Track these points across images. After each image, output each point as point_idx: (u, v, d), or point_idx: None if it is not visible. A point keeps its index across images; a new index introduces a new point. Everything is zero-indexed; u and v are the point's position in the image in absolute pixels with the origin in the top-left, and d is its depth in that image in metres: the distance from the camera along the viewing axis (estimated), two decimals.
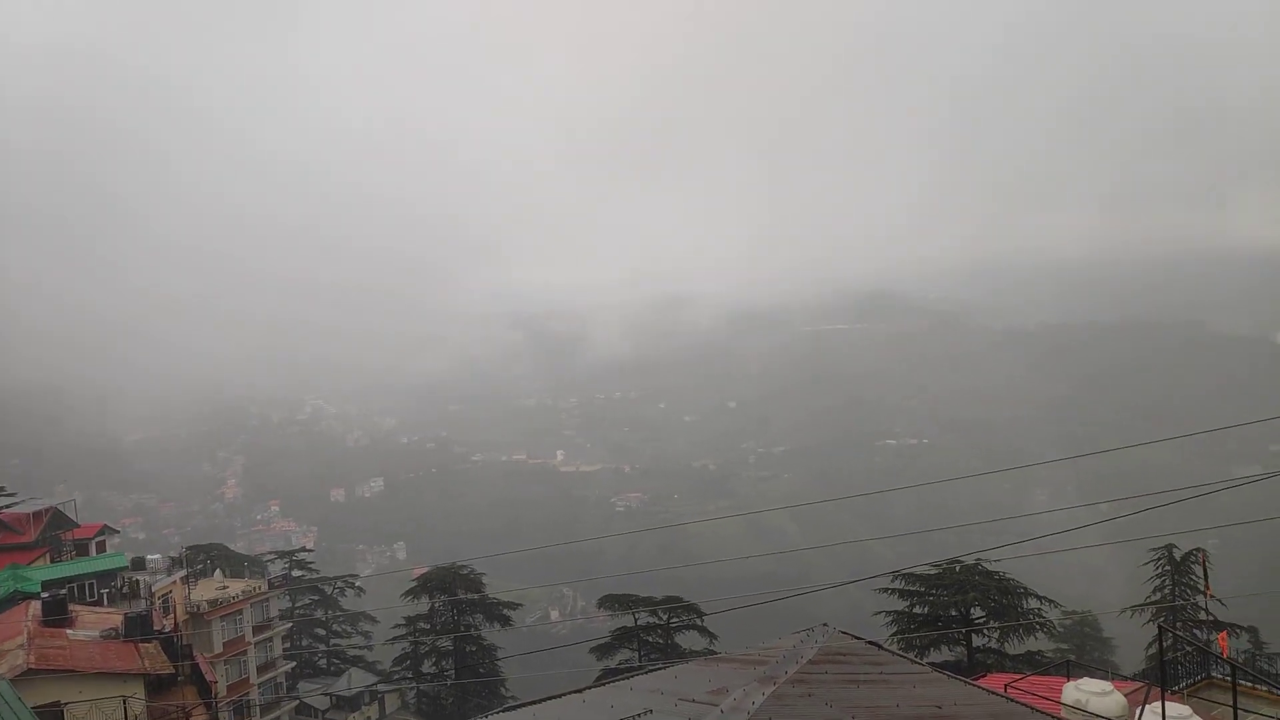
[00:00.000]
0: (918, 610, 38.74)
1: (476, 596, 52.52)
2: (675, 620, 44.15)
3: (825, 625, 12.54)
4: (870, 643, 12.85)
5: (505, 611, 53.43)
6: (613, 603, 46.14)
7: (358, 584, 67.72)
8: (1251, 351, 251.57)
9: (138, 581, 45.18)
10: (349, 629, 61.66)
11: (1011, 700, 11.26)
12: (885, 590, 39.30)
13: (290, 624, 57.53)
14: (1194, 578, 38.09)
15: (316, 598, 62.97)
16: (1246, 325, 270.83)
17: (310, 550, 76.27)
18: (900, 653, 13.90)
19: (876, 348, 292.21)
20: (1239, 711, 14.90)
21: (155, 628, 34.41)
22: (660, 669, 12.16)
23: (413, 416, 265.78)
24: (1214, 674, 27.76)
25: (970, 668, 35.47)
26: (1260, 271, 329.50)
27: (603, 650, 44.44)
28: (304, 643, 60.13)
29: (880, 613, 39.63)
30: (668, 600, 44.59)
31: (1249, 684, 25.49)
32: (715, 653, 25.66)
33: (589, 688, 11.28)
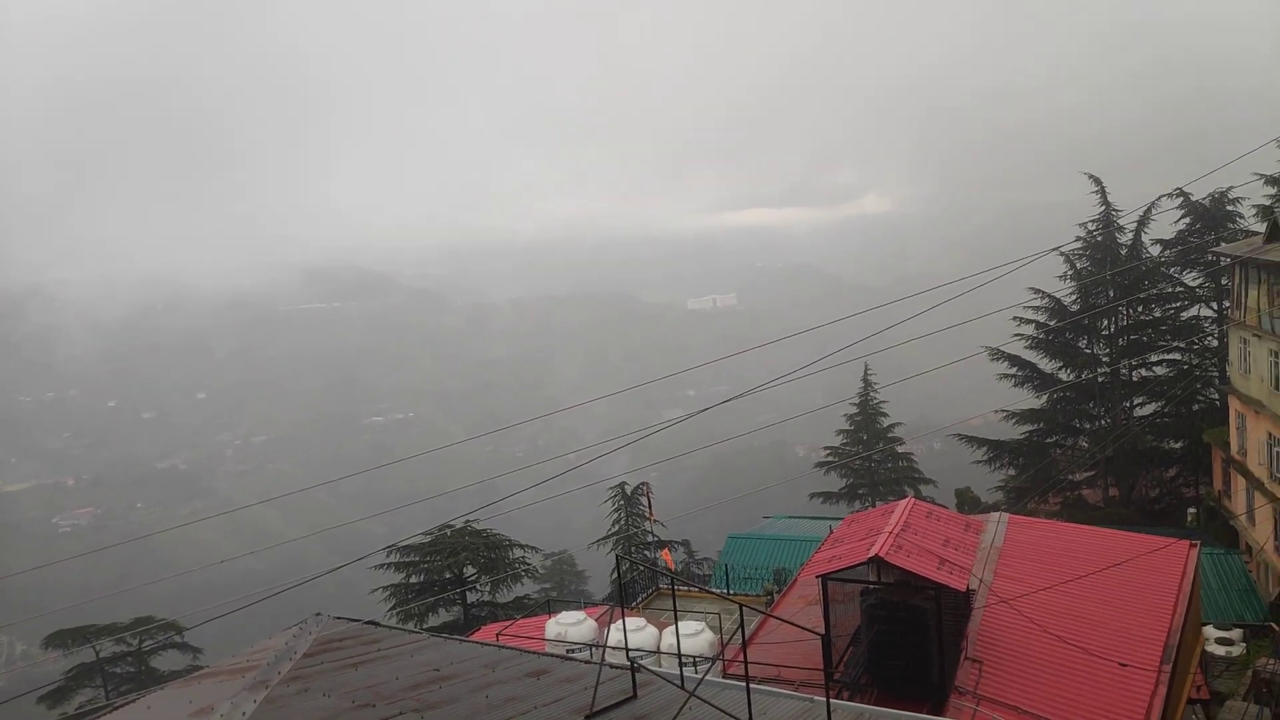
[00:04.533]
0: (414, 580, 39.63)
1: None
2: (149, 643, 39.24)
3: (319, 614, 12.26)
4: (368, 622, 12.89)
5: None
6: (65, 639, 39.31)
7: None
8: (669, 316, 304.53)
9: None
10: None
11: (502, 647, 12.22)
12: (381, 566, 39.48)
13: None
14: (642, 507, 44.69)
15: None
16: (665, 295, 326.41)
17: None
18: (398, 626, 14.18)
19: (357, 326, 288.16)
20: (678, 612, 18.10)
21: None
22: (132, 701, 10.79)
23: None
24: (661, 585, 33.07)
25: (466, 624, 37.41)
26: (673, 250, 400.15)
27: (56, 696, 37.68)
28: None
29: (377, 589, 39.71)
30: (137, 623, 39.38)
31: (686, 588, 30.96)
32: (201, 668, 23.41)
33: None
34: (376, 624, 12.82)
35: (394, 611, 38.32)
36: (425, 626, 36.85)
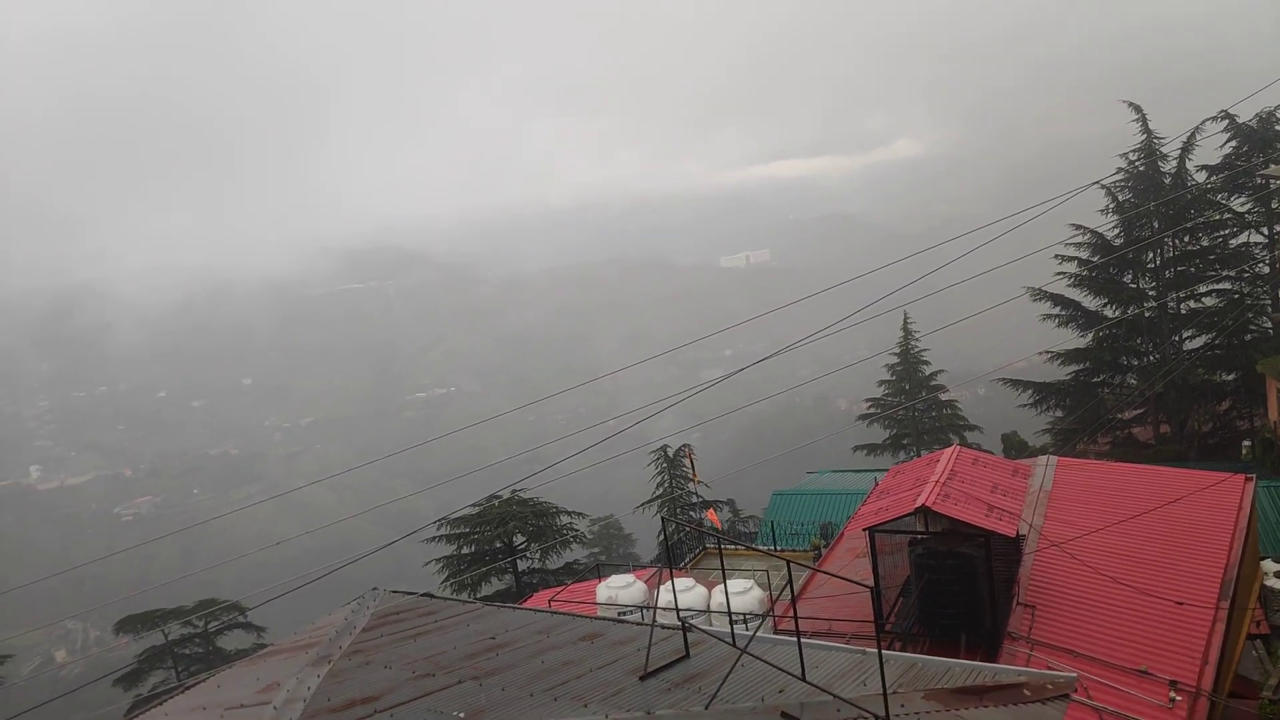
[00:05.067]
0: (465, 551, 40.29)
1: None
2: (214, 624, 40.50)
3: (375, 589, 12.51)
4: (423, 595, 13.14)
5: None
6: (135, 624, 40.68)
7: None
8: (704, 275, 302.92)
9: None
10: None
11: (555, 613, 12.39)
12: (432, 540, 40.11)
13: None
14: (685, 469, 44.88)
15: None
16: (698, 254, 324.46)
17: None
18: (453, 597, 14.44)
19: (393, 305, 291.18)
20: (726, 571, 18.22)
21: None
22: (202, 681, 11.14)
23: None
24: (708, 545, 33.25)
25: (519, 592, 38.01)
26: (703, 209, 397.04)
27: (130, 679, 39.12)
28: None
29: (430, 562, 40.44)
30: (201, 606, 40.60)
31: (733, 547, 31.14)
32: (265, 646, 24.10)
33: None
34: (431, 596, 13.06)
35: (448, 583, 39.03)
36: (479, 596, 37.54)
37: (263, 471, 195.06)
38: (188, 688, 10.94)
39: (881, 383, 52.75)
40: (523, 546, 40.57)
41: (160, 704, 10.42)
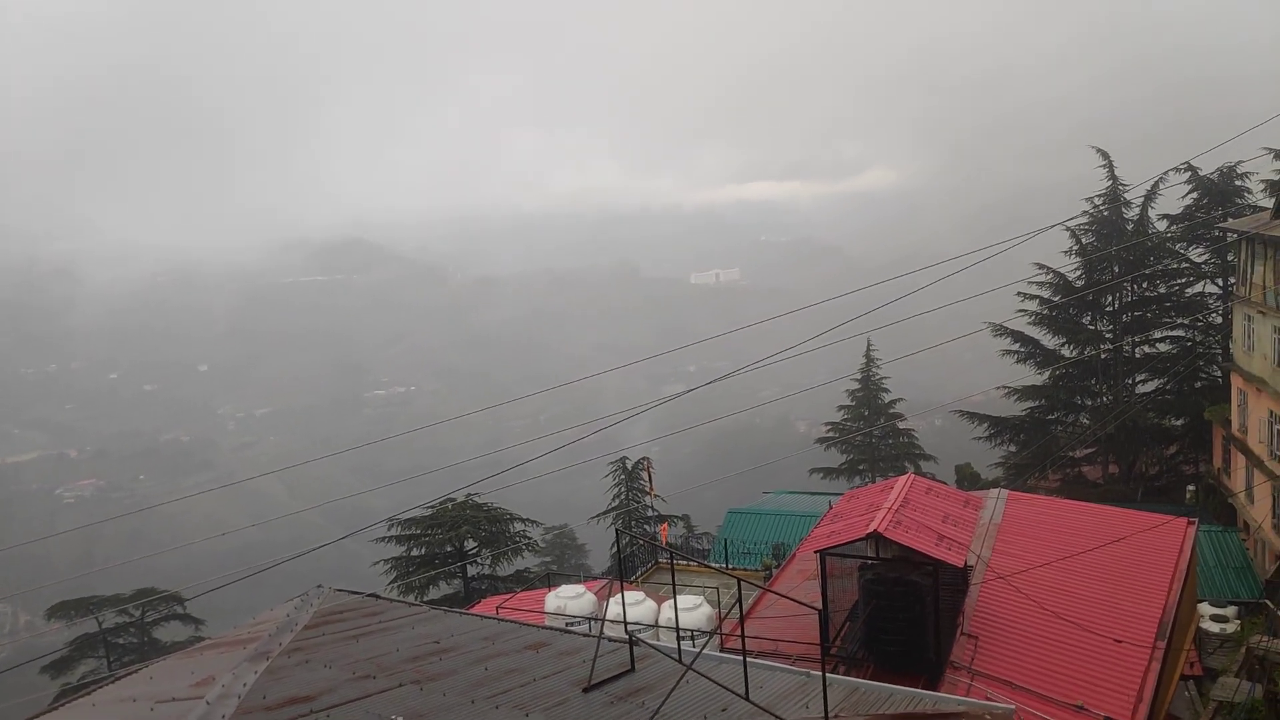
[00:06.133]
0: (415, 553, 39.82)
1: None
2: (151, 614, 39.56)
3: (320, 586, 12.32)
4: (369, 595, 12.97)
5: None
6: (68, 609, 39.66)
7: None
8: (673, 290, 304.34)
9: None
10: None
11: (502, 620, 12.27)
12: (382, 539, 39.62)
13: None
14: (642, 482, 44.81)
15: None
16: (668, 269, 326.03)
17: None
18: (399, 599, 14.26)
19: (358, 300, 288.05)
20: (677, 586, 18.21)
21: None
22: (134, 672, 10.87)
23: None
24: (660, 559, 33.26)
25: (467, 597, 37.64)
26: (677, 224, 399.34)
27: (59, 666, 38.10)
28: None
29: (378, 562, 39.91)
30: (139, 594, 39.67)
31: (684, 562, 31.15)
32: (203, 639, 23.60)
33: (39, 715, 9.66)
34: (377, 596, 12.90)
35: (395, 584, 38.53)
36: (426, 599, 37.09)
37: (214, 460, 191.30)
38: (118, 678, 10.66)
39: (841, 407, 53.17)
40: (474, 551, 40.19)
41: (89, 693, 10.14)
